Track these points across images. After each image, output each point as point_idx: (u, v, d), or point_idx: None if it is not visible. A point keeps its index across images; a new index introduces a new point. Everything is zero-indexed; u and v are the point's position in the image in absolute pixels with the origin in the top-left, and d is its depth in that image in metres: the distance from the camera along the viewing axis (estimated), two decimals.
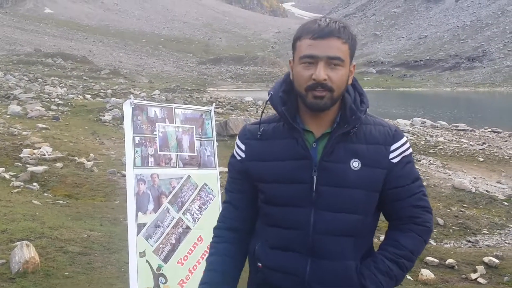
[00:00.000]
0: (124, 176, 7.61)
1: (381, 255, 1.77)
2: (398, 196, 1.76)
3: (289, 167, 1.72)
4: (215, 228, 1.93)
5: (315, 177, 1.69)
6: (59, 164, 8.99)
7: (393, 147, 1.74)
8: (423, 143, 16.64)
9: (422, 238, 1.78)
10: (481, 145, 17.06)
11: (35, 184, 7.87)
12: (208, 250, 1.94)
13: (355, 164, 1.70)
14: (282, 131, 1.76)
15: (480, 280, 5.43)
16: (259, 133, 1.80)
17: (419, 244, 1.79)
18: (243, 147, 1.84)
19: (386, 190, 1.75)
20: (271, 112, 1.86)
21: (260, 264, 1.80)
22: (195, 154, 3.39)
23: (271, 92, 1.79)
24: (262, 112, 1.84)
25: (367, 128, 1.74)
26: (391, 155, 1.73)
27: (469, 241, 7.21)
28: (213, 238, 1.92)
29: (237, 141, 1.88)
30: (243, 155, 1.83)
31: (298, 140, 1.71)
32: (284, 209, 1.73)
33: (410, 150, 1.79)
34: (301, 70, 1.66)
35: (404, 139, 1.77)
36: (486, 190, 10.29)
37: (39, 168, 8.45)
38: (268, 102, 1.79)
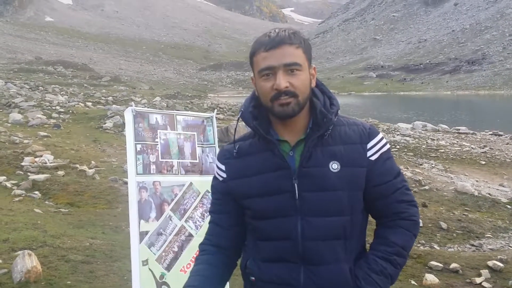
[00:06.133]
0: (126, 183, 7.59)
1: (372, 255, 1.77)
2: (383, 193, 1.78)
3: (269, 179, 1.73)
4: (200, 244, 1.94)
5: (295, 185, 1.70)
6: (60, 172, 8.98)
7: (369, 144, 1.76)
8: (424, 146, 16.63)
9: (411, 232, 1.79)
10: (483, 148, 17.02)
11: (36, 192, 7.85)
12: None
13: (334, 166, 1.71)
14: (257, 145, 1.79)
15: (485, 284, 5.40)
16: (234, 151, 1.82)
17: (409, 239, 1.79)
18: (223, 167, 1.86)
19: (370, 188, 1.76)
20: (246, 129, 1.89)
21: (253, 278, 1.81)
22: (197, 161, 3.38)
23: (242, 109, 1.82)
24: (235, 130, 1.90)
25: (341, 129, 1.76)
26: (369, 153, 1.75)
27: (472, 245, 7.17)
28: (198, 254, 1.94)
29: (217, 162, 1.90)
30: (224, 175, 1.85)
31: (274, 151, 1.73)
32: (272, 221, 1.74)
33: (388, 146, 1.81)
34: (263, 83, 1.69)
35: (380, 136, 1.79)
36: (489, 193, 10.26)
37: (41, 176, 8.43)
38: (240, 119, 1.82)
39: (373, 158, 1.75)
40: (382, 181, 1.77)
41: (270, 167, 1.74)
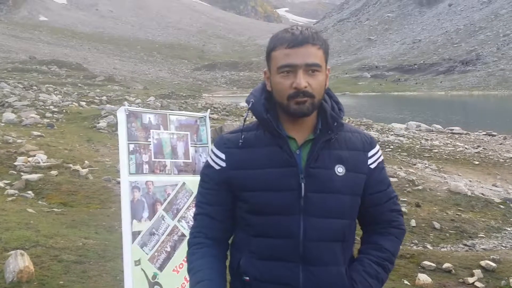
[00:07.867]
0: (119, 183, 7.55)
1: (367, 259, 1.81)
2: (378, 201, 1.83)
3: (276, 174, 1.71)
4: (190, 239, 1.86)
5: (303, 184, 1.70)
6: (54, 172, 8.94)
7: (370, 153, 1.81)
8: (418, 146, 16.68)
9: (400, 240, 1.88)
10: (476, 148, 17.10)
11: (29, 192, 7.82)
12: None
13: (340, 169, 1.74)
14: (264, 138, 1.76)
15: (478, 284, 5.42)
16: (240, 141, 1.77)
17: (398, 246, 1.88)
18: (223, 156, 1.78)
19: (367, 196, 1.81)
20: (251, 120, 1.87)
21: (247, 278, 1.76)
22: (190, 160, 3.38)
23: (252, 100, 1.78)
24: (245, 119, 1.82)
25: (346, 135, 1.80)
26: (369, 161, 1.80)
27: (465, 245, 7.20)
28: (189, 249, 1.85)
29: (215, 150, 1.82)
30: (223, 164, 1.78)
31: (283, 147, 1.72)
32: (272, 218, 1.72)
33: (382, 157, 1.88)
34: (281, 80, 1.67)
35: (378, 147, 1.86)
36: (482, 193, 10.29)
37: (34, 176, 8.40)
38: (249, 111, 1.80)
39: (372, 166, 1.80)
40: (378, 190, 1.82)
41: (277, 162, 1.71)
